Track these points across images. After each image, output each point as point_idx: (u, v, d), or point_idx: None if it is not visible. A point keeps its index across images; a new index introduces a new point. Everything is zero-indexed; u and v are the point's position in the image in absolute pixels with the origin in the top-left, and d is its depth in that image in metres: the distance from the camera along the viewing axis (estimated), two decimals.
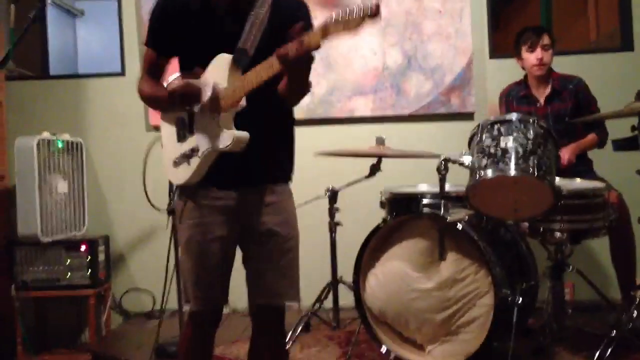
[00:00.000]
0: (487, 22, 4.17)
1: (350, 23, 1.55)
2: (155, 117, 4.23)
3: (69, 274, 3.81)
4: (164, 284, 3.28)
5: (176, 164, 2.00)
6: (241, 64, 1.86)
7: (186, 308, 2.07)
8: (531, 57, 3.47)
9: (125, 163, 4.31)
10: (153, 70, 2.10)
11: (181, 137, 1.99)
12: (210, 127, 1.89)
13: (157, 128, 4.18)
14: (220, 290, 2.04)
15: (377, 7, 1.53)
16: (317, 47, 1.65)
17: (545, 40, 3.46)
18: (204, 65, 1.92)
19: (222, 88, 1.86)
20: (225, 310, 4.02)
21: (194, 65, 1.95)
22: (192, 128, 1.95)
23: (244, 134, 1.85)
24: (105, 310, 4.04)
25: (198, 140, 1.93)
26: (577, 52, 4.23)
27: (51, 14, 4.52)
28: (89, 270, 3.82)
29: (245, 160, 1.90)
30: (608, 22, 4.57)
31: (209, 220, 1.97)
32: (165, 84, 2.14)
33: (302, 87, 1.87)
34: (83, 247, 3.83)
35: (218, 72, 1.88)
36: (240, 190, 1.98)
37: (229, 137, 1.84)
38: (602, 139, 3.47)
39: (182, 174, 1.98)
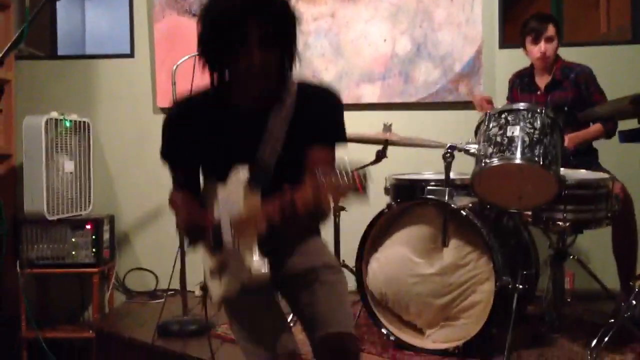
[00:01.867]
0: (498, 12, 4.16)
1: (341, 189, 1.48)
2: (162, 99, 4.25)
3: (74, 252, 3.85)
4: (174, 263, 3.32)
5: (211, 274, 1.87)
6: (258, 184, 1.72)
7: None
8: (534, 50, 3.42)
9: (132, 144, 4.33)
10: (181, 182, 1.91)
11: (213, 249, 1.84)
12: (233, 252, 1.75)
13: (164, 110, 4.23)
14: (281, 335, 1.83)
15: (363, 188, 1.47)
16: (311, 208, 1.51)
17: (550, 31, 3.39)
18: (227, 172, 1.78)
19: (236, 216, 1.72)
20: None
21: (216, 172, 1.81)
22: (220, 244, 1.79)
23: (263, 275, 1.69)
24: (108, 288, 4.08)
25: (226, 259, 1.80)
26: (587, 43, 4.21)
27: None
28: (94, 249, 3.86)
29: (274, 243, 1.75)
30: (619, 14, 4.55)
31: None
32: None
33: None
34: (88, 226, 3.87)
35: (234, 194, 1.73)
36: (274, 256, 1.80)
37: (247, 272, 1.70)
38: (609, 130, 3.39)
39: (215, 290, 1.86)
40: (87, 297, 4.05)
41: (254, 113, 1.80)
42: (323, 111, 1.84)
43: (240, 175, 1.73)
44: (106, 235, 3.99)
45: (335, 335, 1.78)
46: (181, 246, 3.36)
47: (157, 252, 4.22)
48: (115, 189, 4.36)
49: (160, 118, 4.14)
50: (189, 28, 4.21)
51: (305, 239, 1.93)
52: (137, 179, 4.31)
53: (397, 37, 4.17)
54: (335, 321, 1.80)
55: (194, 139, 1.83)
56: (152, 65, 4.29)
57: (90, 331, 3.72)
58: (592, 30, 5.11)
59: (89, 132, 4.11)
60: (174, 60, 3.62)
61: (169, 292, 3.61)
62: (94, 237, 3.86)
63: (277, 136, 1.78)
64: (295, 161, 1.75)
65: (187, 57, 3.46)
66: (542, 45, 3.40)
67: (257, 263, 1.69)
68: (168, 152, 1.90)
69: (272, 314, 1.86)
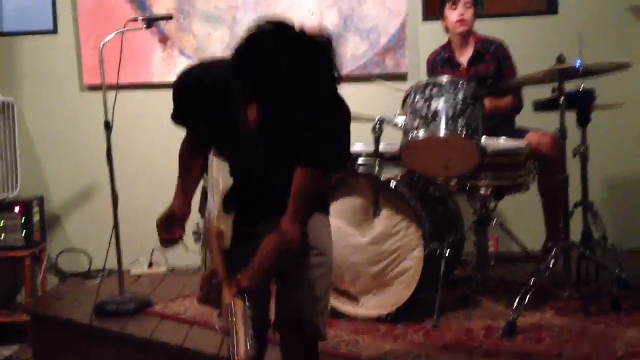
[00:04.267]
0: None
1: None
2: (89, 76, 4.16)
3: (3, 235, 3.78)
4: (109, 242, 3.30)
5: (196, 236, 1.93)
6: (232, 208, 1.73)
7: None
8: (453, 14, 3.53)
9: (59, 123, 4.24)
10: (192, 139, 1.91)
11: (200, 211, 1.93)
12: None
13: (91, 88, 4.15)
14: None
15: None
16: None
17: None
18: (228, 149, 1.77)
19: (208, 222, 1.76)
20: (163, 269, 4.10)
21: (215, 144, 1.81)
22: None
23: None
24: (41, 270, 4.02)
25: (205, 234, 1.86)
26: (503, 14, 4.35)
27: None
28: (24, 231, 3.80)
29: (272, 200, 1.76)
30: None
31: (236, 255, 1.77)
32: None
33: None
34: (17, 208, 3.80)
35: (214, 196, 1.74)
36: (263, 223, 1.82)
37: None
38: (516, 105, 3.56)
39: (201, 257, 1.96)
40: (19, 281, 3.98)
41: None
42: (324, 129, 1.64)
43: (222, 182, 1.71)
44: (36, 217, 3.93)
45: (294, 321, 1.81)
46: (115, 225, 3.35)
47: (89, 232, 4.18)
48: (43, 169, 4.27)
49: (87, 95, 4.19)
50: (115, 2, 4.15)
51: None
52: (65, 158, 4.24)
53: (324, 10, 4.21)
54: (297, 307, 1.81)
55: (202, 108, 1.78)
56: (77, 42, 4.19)
57: (25, 314, 3.67)
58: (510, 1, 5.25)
59: (13, 112, 4.00)
60: (99, 36, 3.56)
61: (104, 272, 3.61)
62: (23, 219, 3.80)
63: (272, 144, 1.69)
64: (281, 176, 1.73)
65: (113, 33, 3.40)
66: (461, 8, 3.50)
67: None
68: (176, 117, 1.85)
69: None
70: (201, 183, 1.98)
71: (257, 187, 1.78)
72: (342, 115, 1.74)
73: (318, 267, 1.85)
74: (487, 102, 3.33)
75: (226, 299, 1.64)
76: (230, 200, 1.72)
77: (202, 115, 1.78)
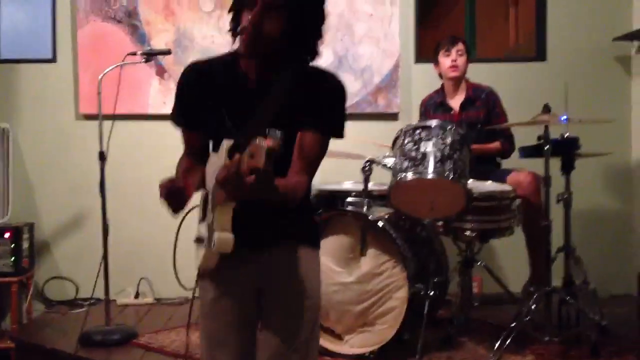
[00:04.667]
0: (414, 28, 4.36)
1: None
2: (85, 105, 4.22)
3: None
4: (97, 272, 3.31)
5: (197, 241, 1.81)
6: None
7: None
8: (446, 61, 3.69)
9: (53, 151, 4.28)
10: (190, 148, 1.85)
11: (200, 219, 1.81)
12: (210, 221, 1.70)
13: (86, 117, 4.21)
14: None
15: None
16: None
17: (460, 46, 3.69)
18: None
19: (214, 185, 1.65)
20: (150, 300, 4.11)
21: (214, 140, 1.77)
22: (205, 213, 1.75)
23: (226, 238, 1.64)
24: (27, 298, 4.02)
25: (204, 230, 1.74)
26: (493, 60, 4.47)
27: None
28: (13, 258, 3.81)
29: (262, 221, 1.73)
30: (527, 28, 4.82)
31: (225, 278, 1.78)
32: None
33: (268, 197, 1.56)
34: (7, 235, 3.81)
35: (217, 165, 1.63)
36: (258, 249, 1.77)
37: (212, 238, 1.65)
38: (506, 150, 3.65)
39: (197, 259, 1.80)
40: (5, 307, 3.98)
41: (255, 83, 1.74)
42: (322, 94, 1.74)
43: (224, 146, 1.64)
44: (25, 244, 3.93)
45: None
46: (105, 255, 3.37)
47: (76, 261, 4.19)
48: (34, 196, 4.29)
49: (82, 124, 4.22)
50: (114, 34, 4.23)
51: (290, 247, 1.82)
52: (57, 186, 4.27)
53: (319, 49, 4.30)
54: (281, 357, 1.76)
55: (201, 102, 1.77)
56: (75, 71, 4.25)
57: (9, 341, 3.66)
58: (502, 42, 5.38)
59: (8, 138, 4.04)
60: (97, 66, 3.60)
61: (91, 301, 3.62)
62: (13, 245, 3.81)
63: (268, 113, 1.68)
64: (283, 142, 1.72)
65: (113, 66, 3.46)
66: (454, 54, 3.66)
67: (223, 236, 1.64)
68: (175, 114, 1.83)
69: (240, 335, 1.81)
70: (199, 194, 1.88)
71: None
72: (339, 85, 1.78)
73: (305, 312, 1.82)
74: (474, 146, 3.42)
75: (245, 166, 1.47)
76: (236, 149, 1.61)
77: (202, 109, 1.77)
